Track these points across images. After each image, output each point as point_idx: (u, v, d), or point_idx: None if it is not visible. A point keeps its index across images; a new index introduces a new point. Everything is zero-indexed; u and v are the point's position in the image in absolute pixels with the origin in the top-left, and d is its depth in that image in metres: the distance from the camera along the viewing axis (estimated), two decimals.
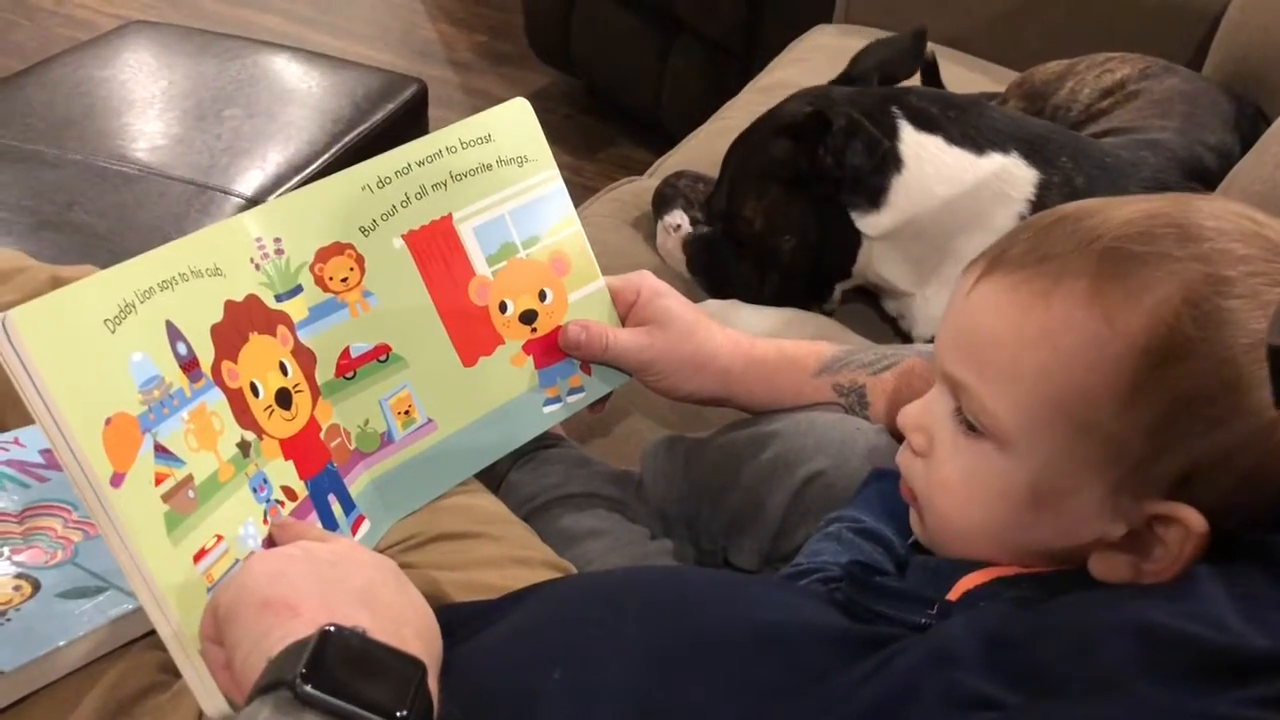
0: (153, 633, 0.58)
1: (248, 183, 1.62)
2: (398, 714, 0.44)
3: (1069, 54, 1.52)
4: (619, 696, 0.52)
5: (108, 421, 0.56)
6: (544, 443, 0.90)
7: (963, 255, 1.14)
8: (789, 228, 1.20)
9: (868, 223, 1.17)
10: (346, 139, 1.74)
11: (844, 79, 1.28)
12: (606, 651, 0.55)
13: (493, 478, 0.88)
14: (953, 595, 0.58)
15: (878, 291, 1.26)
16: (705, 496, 0.87)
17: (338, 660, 0.45)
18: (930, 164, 1.15)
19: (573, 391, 0.87)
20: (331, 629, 0.47)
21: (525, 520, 0.83)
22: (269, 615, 0.51)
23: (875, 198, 1.16)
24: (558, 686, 0.53)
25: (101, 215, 1.51)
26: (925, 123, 1.16)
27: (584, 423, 1.02)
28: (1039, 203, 1.14)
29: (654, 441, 0.93)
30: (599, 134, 2.69)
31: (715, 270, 1.26)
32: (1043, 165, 1.15)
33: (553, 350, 0.86)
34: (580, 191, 0.89)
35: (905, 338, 1.26)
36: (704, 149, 1.48)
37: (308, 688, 0.44)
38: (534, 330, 0.84)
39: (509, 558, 0.75)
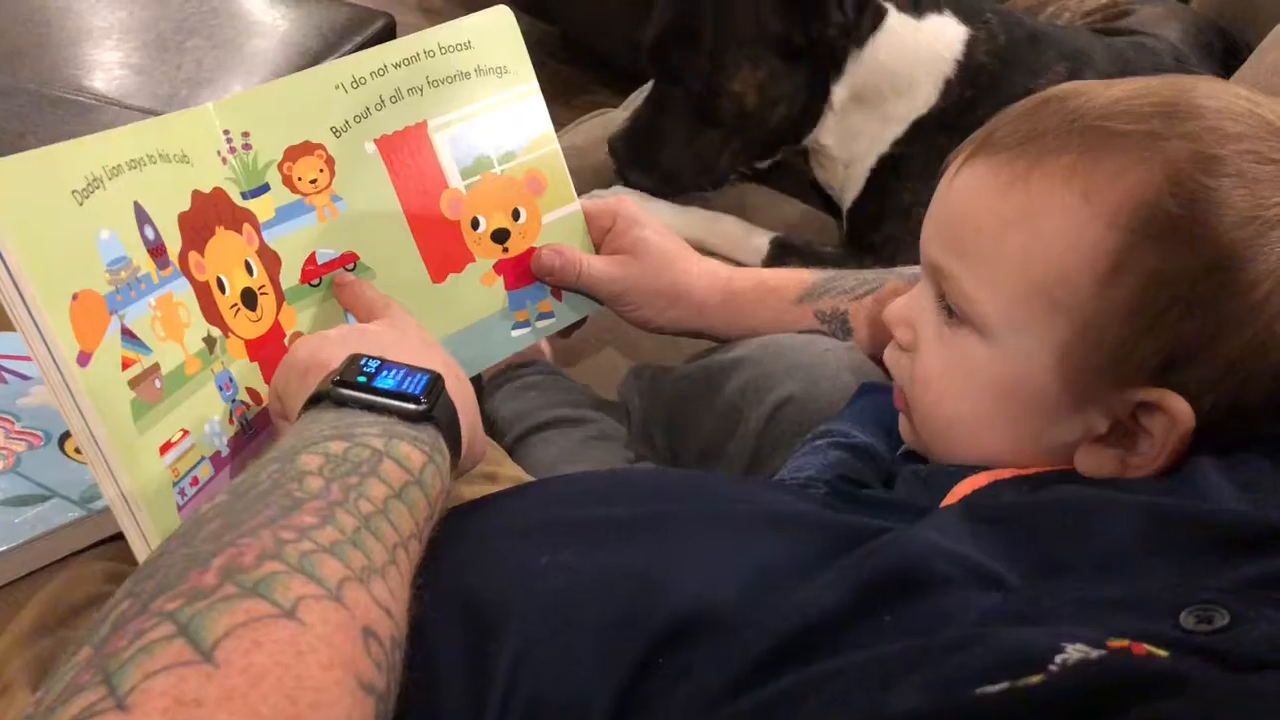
0: (98, 544, 0.55)
1: None
2: (417, 404, 0.53)
3: None
4: (615, 573, 0.50)
5: (74, 297, 0.53)
6: (519, 363, 0.87)
7: (891, 119, 1.17)
8: (782, 98, 1.17)
9: (835, 92, 1.17)
10: None
11: None
12: (601, 535, 0.53)
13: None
14: (948, 501, 0.56)
15: (807, 159, 1.27)
16: (678, 426, 0.85)
17: (362, 372, 0.54)
18: (882, 32, 1.14)
19: (542, 316, 0.85)
20: (357, 355, 0.55)
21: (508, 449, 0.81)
22: (310, 377, 0.57)
23: (838, 67, 1.16)
24: (548, 569, 0.50)
25: None
26: None
27: (558, 350, 0.99)
28: (966, 61, 1.15)
29: (627, 372, 0.90)
30: (574, 82, 2.64)
31: (645, 155, 1.24)
32: (971, 20, 1.15)
33: (524, 273, 0.83)
34: None
35: (833, 208, 1.28)
36: None
37: (340, 390, 0.53)
38: (505, 250, 0.82)
39: (476, 473, 0.72)
